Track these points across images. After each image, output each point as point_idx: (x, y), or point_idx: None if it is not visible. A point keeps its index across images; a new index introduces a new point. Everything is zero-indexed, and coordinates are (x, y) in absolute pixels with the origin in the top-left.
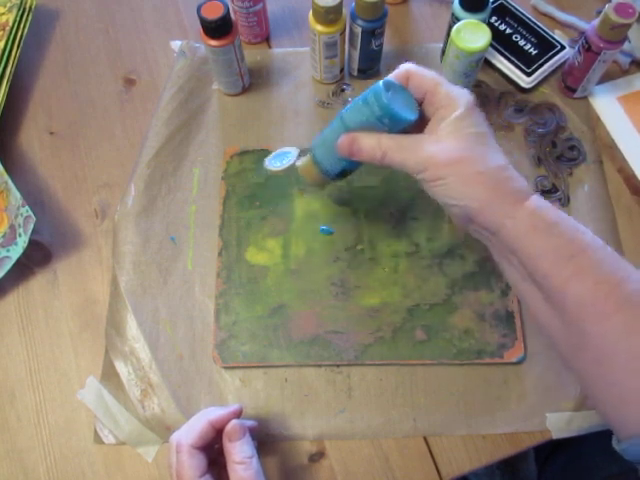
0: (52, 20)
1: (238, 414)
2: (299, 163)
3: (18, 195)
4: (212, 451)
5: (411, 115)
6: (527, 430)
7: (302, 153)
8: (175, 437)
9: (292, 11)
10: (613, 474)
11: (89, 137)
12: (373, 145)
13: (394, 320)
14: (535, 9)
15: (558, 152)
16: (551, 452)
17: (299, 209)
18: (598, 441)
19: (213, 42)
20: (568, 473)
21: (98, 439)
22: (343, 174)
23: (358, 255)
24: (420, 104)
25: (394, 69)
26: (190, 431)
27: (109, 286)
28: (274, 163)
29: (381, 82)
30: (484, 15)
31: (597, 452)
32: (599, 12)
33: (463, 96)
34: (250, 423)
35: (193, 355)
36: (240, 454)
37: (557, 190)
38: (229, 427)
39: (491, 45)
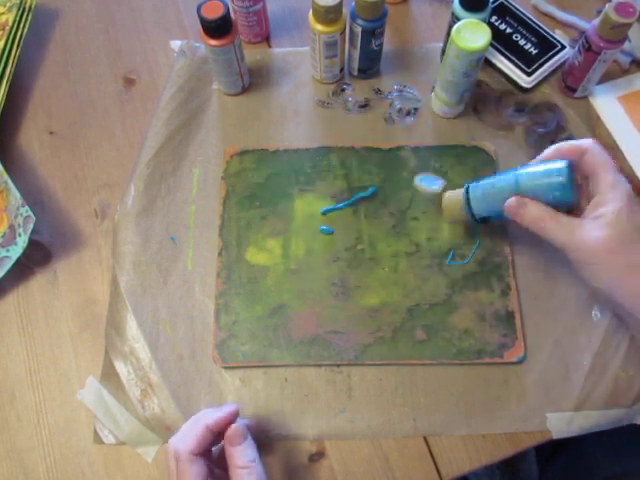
0: (52, 20)
1: (235, 415)
2: (447, 195)
3: (18, 195)
4: (211, 454)
5: (575, 199)
6: (527, 430)
7: (446, 187)
8: (173, 444)
9: (292, 11)
10: (615, 474)
11: (89, 137)
12: (538, 216)
13: (394, 320)
14: (535, 9)
15: None
16: (552, 452)
17: (299, 209)
18: (599, 441)
19: (213, 42)
20: (569, 473)
21: (98, 439)
22: (484, 220)
23: (358, 255)
24: (581, 181)
25: (395, 70)
26: (187, 437)
27: (109, 286)
28: (424, 184)
29: (567, 163)
30: (484, 15)
31: (598, 452)
32: (599, 12)
33: (624, 188)
34: (246, 422)
35: (193, 355)
36: (243, 458)
37: None
38: (230, 431)
39: (491, 45)
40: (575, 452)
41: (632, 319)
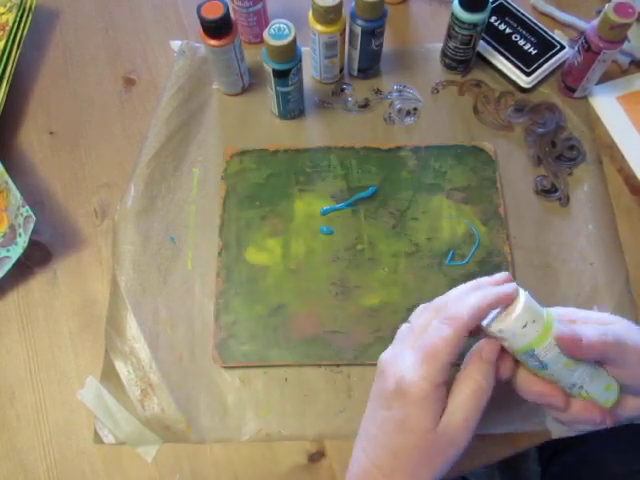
0: (52, 20)
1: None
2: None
3: (18, 195)
4: None
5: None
6: (527, 430)
7: None
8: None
9: (292, 11)
10: (618, 473)
11: (89, 137)
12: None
13: (394, 320)
14: (535, 9)
15: (558, 152)
16: (555, 451)
17: (299, 209)
18: (603, 440)
19: (213, 42)
20: (573, 472)
21: (98, 439)
22: None
23: (358, 255)
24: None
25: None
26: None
27: (109, 286)
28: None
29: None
30: (484, 15)
31: (602, 451)
32: (599, 12)
33: None
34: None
35: (193, 355)
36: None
37: (557, 190)
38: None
39: (491, 45)
40: (579, 452)
41: None
